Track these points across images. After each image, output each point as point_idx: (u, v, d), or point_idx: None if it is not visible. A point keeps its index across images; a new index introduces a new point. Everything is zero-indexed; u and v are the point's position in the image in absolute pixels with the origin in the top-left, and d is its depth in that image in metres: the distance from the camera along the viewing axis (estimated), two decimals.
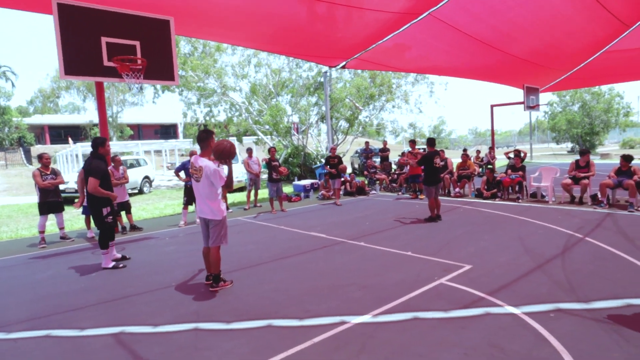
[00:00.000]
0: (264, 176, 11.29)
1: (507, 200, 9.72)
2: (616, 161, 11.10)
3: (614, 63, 13.07)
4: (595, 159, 20.59)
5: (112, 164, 7.86)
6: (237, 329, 3.46)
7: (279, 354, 2.99)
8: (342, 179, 11.42)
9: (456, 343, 3.04)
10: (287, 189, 13.01)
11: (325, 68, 14.72)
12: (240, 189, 14.70)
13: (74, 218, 9.94)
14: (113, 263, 5.51)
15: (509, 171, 10.04)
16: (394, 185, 12.75)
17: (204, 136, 4.44)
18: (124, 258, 5.86)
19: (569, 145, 36.58)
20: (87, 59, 6.55)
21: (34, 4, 6.65)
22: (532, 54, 11.96)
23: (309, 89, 19.29)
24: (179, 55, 17.28)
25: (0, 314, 4.06)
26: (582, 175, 8.59)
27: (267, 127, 18.62)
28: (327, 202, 10.88)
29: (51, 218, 7.50)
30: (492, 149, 16.71)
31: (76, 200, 7.15)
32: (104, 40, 6.65)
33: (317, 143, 20.79)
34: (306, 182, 12.79)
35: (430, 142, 7.94)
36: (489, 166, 15.24)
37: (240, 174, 13.62)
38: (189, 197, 8.21)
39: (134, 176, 15.99)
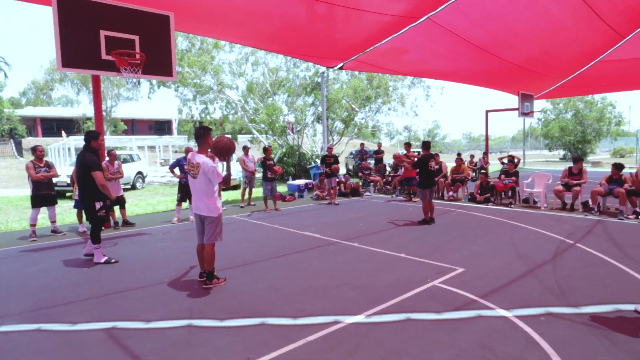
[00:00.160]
0: (258, 175, 11.28)
1: (500, 205, 9.81)
2: (607, 169, 11.26)
3: (608, 73, 13.26)
4: (586, 167, 20.85)
5: (107, 159, 7.82)
6: (230, 326, 3.46)
7: (273, 351, 2.99)
8: (337, 179, 11.44)
9: (449, 344, 3.07)
10: (281, 189, 13.01)
11: (322, 68, 14.75)
12: (234, 187, 14.66)
13: (65, 212, 9.84)
14: (105, 258, 5.46)
15: (502, 176, 10.14)
16: (388, 187, 12.81)
17: (202, 133, 4.44)
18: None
19: (561, 152, 36.98)
20: (86, 51, 6.51)
21: None
22: (529, 61, 12.11)
23: (306, 89, 19.31)
24: (177, 51, 17.18)
25: None
26: (574, 182, 8.71)
27: (263, 125, 18.60)
28: (321, 202, 10.90)
29: (42, 211, 7.42)
30: (486, 154, 16.83)
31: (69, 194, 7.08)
32: (103, 33, 6.61)
33: (312, 143, 20.80)
34: (300, 182, 12.80)
35: (426, 145, 7.99)
36: (482, 171, 15.35)
37: (235, 172, 13.58)
38: (183, 194, 8.18)
39: (127, 171, 15.84)
